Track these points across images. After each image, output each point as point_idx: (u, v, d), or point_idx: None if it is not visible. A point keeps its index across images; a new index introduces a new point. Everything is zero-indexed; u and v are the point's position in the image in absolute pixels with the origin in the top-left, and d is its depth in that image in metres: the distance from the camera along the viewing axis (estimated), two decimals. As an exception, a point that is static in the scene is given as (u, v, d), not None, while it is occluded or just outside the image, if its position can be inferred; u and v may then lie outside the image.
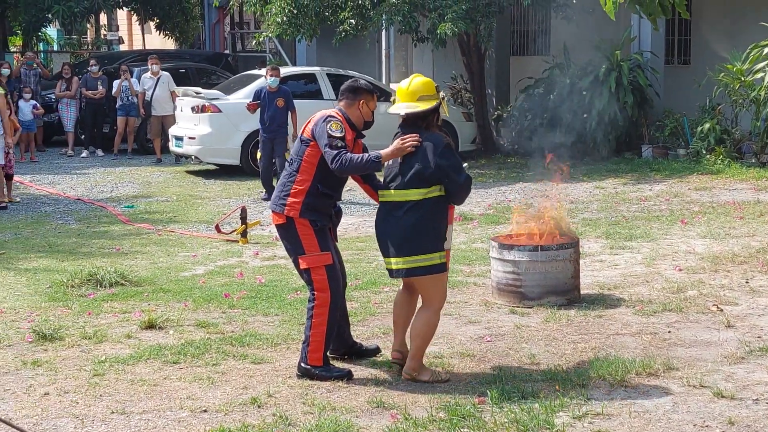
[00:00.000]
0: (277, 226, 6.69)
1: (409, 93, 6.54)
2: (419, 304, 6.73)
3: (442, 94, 6.63)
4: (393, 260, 6.49)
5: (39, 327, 7.64)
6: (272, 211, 6.70)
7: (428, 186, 6.41)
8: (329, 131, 6.44)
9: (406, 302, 6.79)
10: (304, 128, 6.67)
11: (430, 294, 6.54)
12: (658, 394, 6.19)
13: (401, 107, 6.54)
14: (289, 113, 14.80)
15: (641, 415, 5.86)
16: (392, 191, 6.48)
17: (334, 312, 6.59)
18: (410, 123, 6.53)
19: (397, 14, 16.81)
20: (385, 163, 6.54)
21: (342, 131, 6.47)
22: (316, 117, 6.64)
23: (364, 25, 17.86)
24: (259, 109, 14.71)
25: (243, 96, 17.29)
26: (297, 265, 6.64)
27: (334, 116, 6.57)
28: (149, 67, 19.86)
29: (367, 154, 6.48)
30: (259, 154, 14.87)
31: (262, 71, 18.74)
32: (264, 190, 14.74)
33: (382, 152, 6.44)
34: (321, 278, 6.54)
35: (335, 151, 6.38)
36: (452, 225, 6.78)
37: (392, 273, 6.59)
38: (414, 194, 6.41)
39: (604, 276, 9.39)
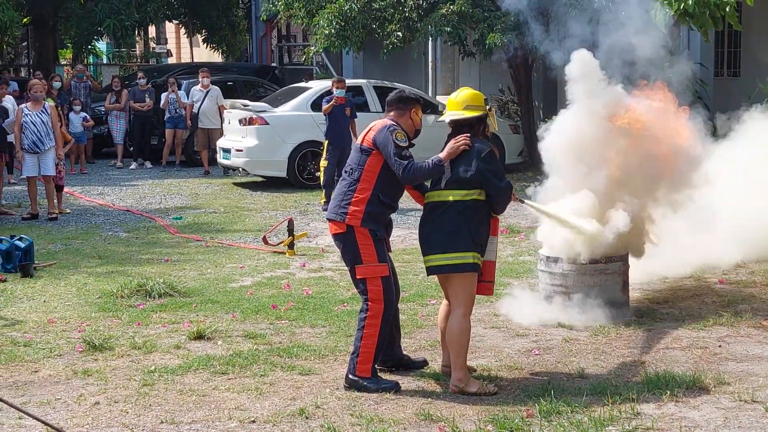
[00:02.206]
0: (336, 236, 6.71)
1: (456, 103, 6.79)
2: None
3: (489, 106, 6.76)
4: (428, 257, 6.65)
5: (89, 337, 7.73)
6: (330, 221, 6.72)
7: (468, 189, 6.57)
8: (396, 141, 6.52)
9: (445, 311, 6.85)
10: (363, 137, 6.72)
11: (459, 295, 6.63)
12: (709, 409, 6.12)
13: (447, 115, 6.79)
14: (350, 122, 15.05)
15: (691, 430, 5.81)
16: (434, 192, 6.66)
17: (386, 324, 6.60)
18: (456, 131, 6.72)
19: (446, 25, 16.84)
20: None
21: (406, 140, 6.57)
22: (377, 126, 6.68)
23: (412, 37, 17.90)
24: (327, 120, 14.91)
25: (290, 109, 17.42)
26: (353, 274, 6.66)
27: (396, 126, 6.62)
28: (199, 80, 20.02)
29: (430, 160, 6.58)
30: (324, 163, 14.95)
31: (310, 83, 18.92)
32: (324, 200, 14.79)
33: (441, 155, 6.58)
34: (376, 289, 6.56)
35: (405, 161, 6.48)
36: (497, 237, 6.84)
37: (427, 270, 6.73)
38: (453, 195, 6.58)
39: (653, 289, 9.30)
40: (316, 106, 16.82)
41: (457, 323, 6.59)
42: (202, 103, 19.68)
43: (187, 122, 19.94)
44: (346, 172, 6.74)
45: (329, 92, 15.50)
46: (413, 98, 6.90)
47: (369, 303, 6.57)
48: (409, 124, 6.77)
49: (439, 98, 20.13)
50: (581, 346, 7.57)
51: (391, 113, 6.80)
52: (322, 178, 15.10)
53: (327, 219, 6.82)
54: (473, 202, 6.59)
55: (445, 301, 6.90)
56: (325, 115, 15.05)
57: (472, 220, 6.59)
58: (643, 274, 9.30)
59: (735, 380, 6.64)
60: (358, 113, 15.72)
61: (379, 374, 6.70)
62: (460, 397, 6.45)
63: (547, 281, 8.47)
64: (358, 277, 6.63)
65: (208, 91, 19.73)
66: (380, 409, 6.24)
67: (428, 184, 6.86)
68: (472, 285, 6.65)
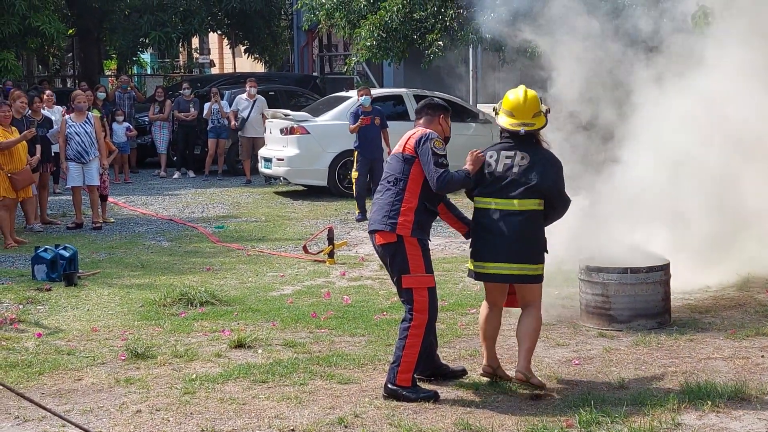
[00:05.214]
0: (384, 245, 6.64)
1: (526, 109, 6.73)
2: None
3: (545, 107, 6.77)
4: (509, 265, 6.63)
5: (132, 345, 7.80)
6: (377, 231, 6.65)
7: (539, 198, 6.63)
8: (434, 149, 6.53)
9: (493, 316, 6.90)
10: (404, 146, 6.68)
11: (535, 298, 6.77)
12: (751, 420, 6.06)
13: (519, 125, 6.69)
14: (381, 132, 15.03)
15: (734, 442, 5.75)
16: (509, 200, 6.61)
17: (429, 334, 6.62)
18: (523, 138, 6.69)
19: (486, 33, 16.82)
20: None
21: (444, 149, 6.59)
22: (417, 134, 6.67)
23: (453, 46, 17.91)
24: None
25: (330, 118, 17.47)
26: (399, 284, 6.64)
27: (434, 134, 6.64)
28: (247, 89, 20.08)
29: (461, 171, 6.62)
30: (355, 174, 14.99)
31: (350, 93, 18.98)
32: (358, 211, 14.83)
33: (468, 168, 6.64)
34: (422, 299, 6.55)
35: (441, 170, 6.49)
36: None
37: (502, 278, 6.71)
38: (532, 204, 6.61)
39: (695, 299, 9.23)
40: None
41: (536, 320, 6.74)
42: (250, 112, 19.73)
43: (232, 123, 19.85)
44: (389, 182, 6.68)
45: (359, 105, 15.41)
46: (441, 105, 6.93)
47: (414, 313, 6.54)
48: (438, 131, 6.78)
49: (480, 106, 20.11)
50: (622, 356, 7.53)
51: (421, 120, 6.85)
52: (354, 190, 15.10)
53: (372, 231, 6.71)
54: (540, 212, 6.67)
55: (487, 305, 6.90)
56: (351, 132, 15.05)
57: (542, 229, 6.71)
58: (685, 283, 9.23)
59: (778, 391, 6.57)
60: (398, 122, 15.75)
61: (418, 383, 6.70)
62: (499, 406, 6.44)
63: (587, 291, 8.43)
64: (404, 286, 6.59)
65: (255, 101, 19.83)
66: (419, 418, 6.24)
67: (448, 197, 6.88)
68: (541, 288, 6.82)
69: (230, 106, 20.43)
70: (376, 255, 7.09)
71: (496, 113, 6.88)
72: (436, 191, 6.60)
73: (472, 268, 6.85)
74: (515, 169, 6.62)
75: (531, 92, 6.80)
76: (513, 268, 6.62)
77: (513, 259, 6.60)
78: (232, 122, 19.87)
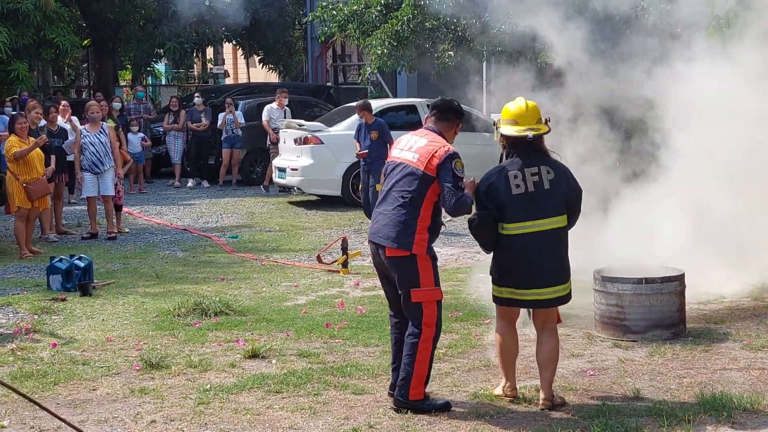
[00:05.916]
0: (395, 258, 6.51)
1: (529, 116, 6.61)
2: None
3: (545, 117, 6.72)
4: (551, 289, 6.57)
5: (146, 355, 7.81)
6: (391, 248, 6.53)
7: (565, 212, 6.57)
8: (455, 171, 6.40)
9: (512, 337, 6.80)
10: (426, 165, 6.45)
11: (553, 319, 6.72)
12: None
13: (525, 130, 6.57)
14: (387, 145, 15.03)
15: (750, 453, 5.72)
16: (548, 219, 6.52)
17: (435, 346, 6.59)
18: (527, 146, 6.57)
19: (498, 45, 16.84)
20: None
21: (463, 170, 6.48)
22: (440, 153, 6.44)
23: (465, 57, 17.93)
24: (359, 141, 15.06)
25: (344, 128, 17.50)
26: (407, 297, 6.52)
27: (456, 153, 6.47)
28: (281, 99, 19.92)
29: (469, 196, 6.49)
30: (360, 186, 15.12)
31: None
32: (370, 220, 14.86)
33: (468, 192, 6.51)
34: (431, 313, 6.50)
35: (460, 194, 6.38)
36: None
37: (540, 303, 6.61)
38: (563, 220, 6.57)
39: (710, 309, 9.19)
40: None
41: (557, 344, 6.70)
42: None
43: (272, 137, 19.57)
44: (403, 197, 6.50)
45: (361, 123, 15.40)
46: (463, 114, 6.80)
47: (423, 327, 6.48)
48: (451, 137, 6.72)
49: (493, 116, 20.10)
50: (637, 366, 7.50)
51: (442, 122, 6.69)
52: (362, 201, 15.24)
53: (385, 245, 6.55)
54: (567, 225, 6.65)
55: (505, 324, 6.78)
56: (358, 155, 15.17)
57: (567, 244, 6.64)
58: (701, 293, 9.21)
59: (794, 402, 6.54)
60: (411, 132, 15.68)
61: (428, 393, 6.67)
62: (514, 417, 6.42)
63: (602, 301, 8.41)
64: (414, 300, 6.51)
65: (285, 111, 19.84)
66: (433, 429, 6.23)
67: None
68: None
69: (244, 117, 20.47)
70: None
71: (497, 127, 6.72)
72: (448, 212, 6.50)
73: (505, 296, 6.64)
74: (547, 185, 6.50)
75: (534, 104, 6.70)
76: (557, 290, 6.55)
77: (553, 282, 6.54)
78: (273, 135, 19.37)
